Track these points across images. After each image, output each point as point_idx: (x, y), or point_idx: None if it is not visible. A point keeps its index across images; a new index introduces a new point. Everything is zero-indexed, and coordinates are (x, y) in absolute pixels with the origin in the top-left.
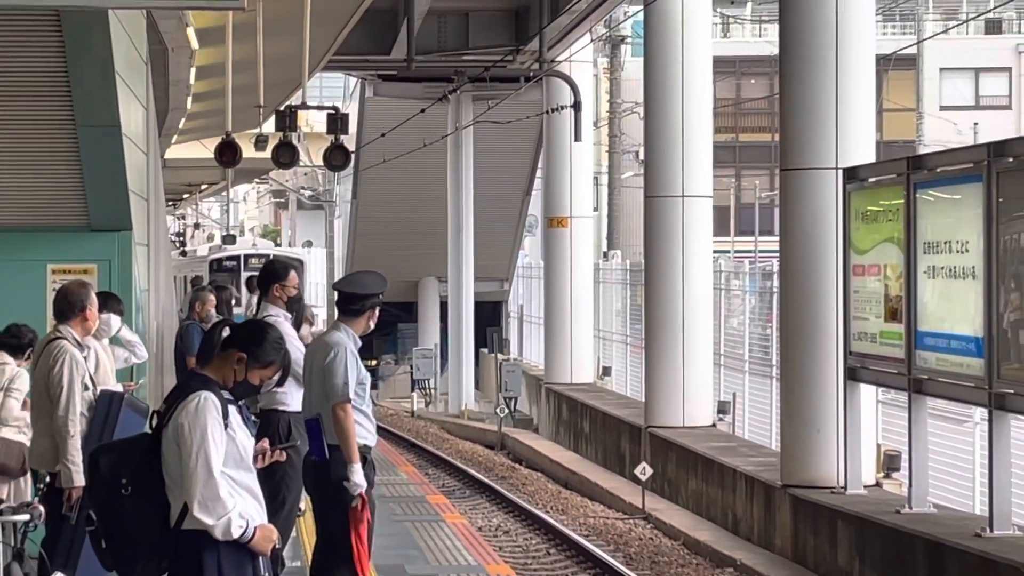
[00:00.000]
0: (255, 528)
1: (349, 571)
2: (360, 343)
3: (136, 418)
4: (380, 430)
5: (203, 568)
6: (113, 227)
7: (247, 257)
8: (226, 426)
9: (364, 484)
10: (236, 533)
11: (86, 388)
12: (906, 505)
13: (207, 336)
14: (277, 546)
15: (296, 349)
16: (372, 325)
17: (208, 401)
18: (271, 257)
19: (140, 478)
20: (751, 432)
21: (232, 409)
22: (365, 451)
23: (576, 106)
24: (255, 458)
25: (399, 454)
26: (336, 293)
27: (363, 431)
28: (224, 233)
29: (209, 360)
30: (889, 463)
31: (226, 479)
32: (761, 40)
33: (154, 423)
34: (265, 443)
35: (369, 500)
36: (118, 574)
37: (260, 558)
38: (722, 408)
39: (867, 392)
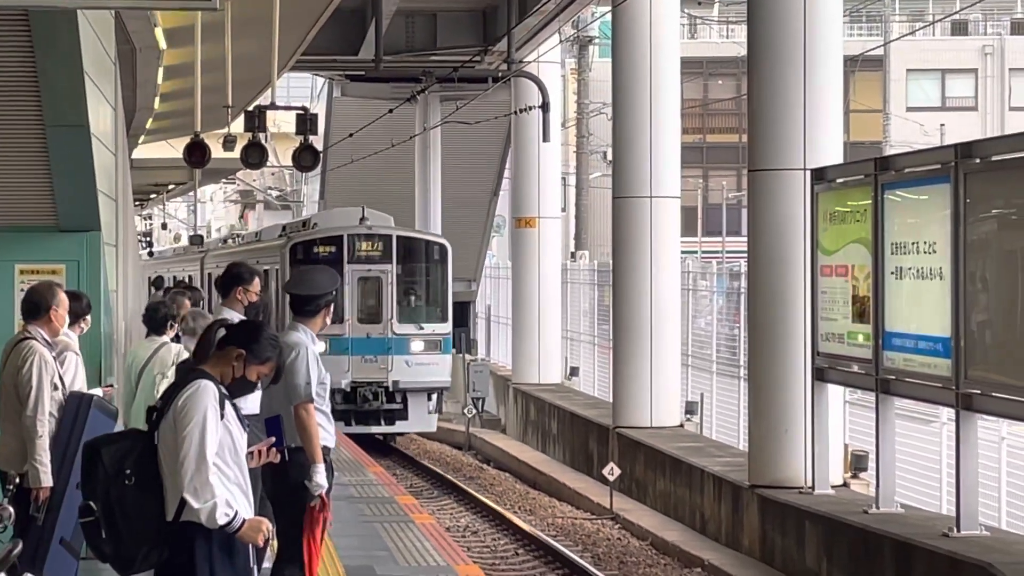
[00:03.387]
0: (243, 519)
1: (300, 573)
2: (318, 342)
3: (105, 420)
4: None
5: (195, 559)
6: (82, 227)
7: (356, 240)
8: (222, 416)
9: (326, 485)
10: (221, 520)
11: (55, 388)
12: (873, 505)
13: (203, 335)
14: (269, 539)
15: None
16: (328, 322)
17: (208, 388)
18: (389, 237)
19: (143, 469)
20: (719, 432)
21: (228, 404)
22: (325, 452)
23: (544, 107)
24: (248, 456)
25: (365, 454)
26: (288, 296)
27: (323, 432)
28: (191, 233)
29: (205, 358)
30: (856, 463)
31: (217, 469)
32: (729, 41)
33: (153, 417)
34: (267, 443)
35: (298, 504)
36: (116, 565)
37: (250, 552)
38: (690, 408)
39: (835, 392)
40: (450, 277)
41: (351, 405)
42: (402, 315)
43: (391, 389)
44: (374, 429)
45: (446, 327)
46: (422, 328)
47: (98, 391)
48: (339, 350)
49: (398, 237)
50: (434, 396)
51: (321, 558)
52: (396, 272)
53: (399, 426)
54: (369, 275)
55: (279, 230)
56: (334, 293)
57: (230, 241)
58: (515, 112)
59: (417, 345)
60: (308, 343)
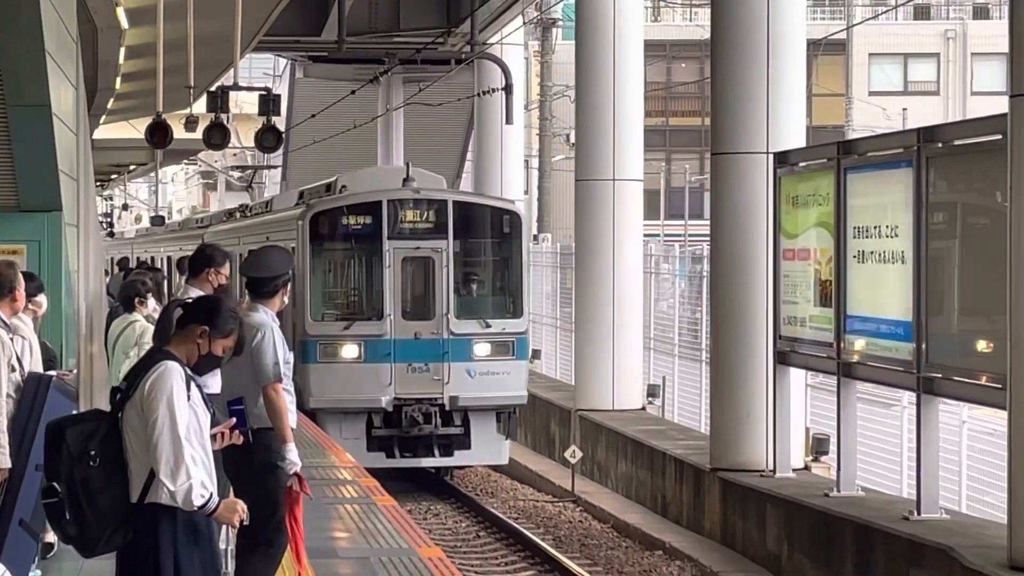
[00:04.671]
0: (219, 500)
1: (267, 556)
2: (278, 322)
3: (65, 401)
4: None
5: (159, 541)
6: (43, 207)
7: (398, 207)
8: (188, 398)
9: (299, 463)
10: (198, 502)
11: (13, 370)
12: (834, 488)
13: (162, 317)
14: (244, 521)
15: None
16: (286, 301)
17: (174, 369)
18: (443, 203)
19: (108, 450)
20: (681, 416)
21: (193, 385)
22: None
23: (507, 89)
24: (212, 438)
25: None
26: (245, 278)
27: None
28: (153, 214)
29: (166, 339)
30: (818, 447)
31: (186, 447)
32: (692, 24)
33: (116, 398)
34: (229, 424)
35: (277, 488)
36: (79, 546)
37: (215, 537)
38: (652, 392)
39: (796, 376)
40: (526, 256)
41: (394, 430)
42: (462, 308)
43: (448, 408)
44: (427, 462)
45: (520, 324)
46: (488, 326)
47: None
48: (377, 356)
49: (456, 204)
50: (504, 417)
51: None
52: (453, 250)
53: (459, 457)
54: (417, 254)
55: (295, 197)
56: (290, 273)
57: (237, 215)
58: (478, 94)
59: (482, 348)
60: (271, 323)
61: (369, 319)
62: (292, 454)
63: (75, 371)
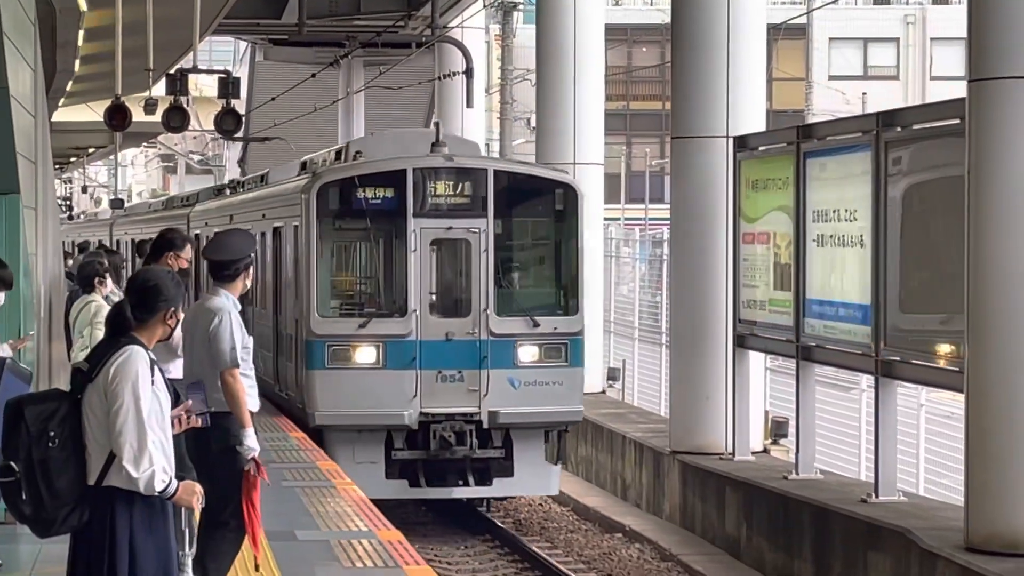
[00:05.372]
0: (178, 484)
1: (227, 539)
2: (240, 306)
3: (18, 383)
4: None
5: (115, 524)
6: (2, 190)
7: (427, 177)
8: (152, 383)
9: (257, 448)
10: (159, 487)
11: None
12: (793, 471)
13: (119, 313)
14: (202, 504)
15: None
16: (248, 284)
17: (139, 354)
18: (482, 173)
19: (67, 430)
20: (641, 399)
21: (156, 370)
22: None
23: (468, 72)
24: (172, 422)
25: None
26: (206, 261)
27: (247, 397)
28: (112, 197)
29: (125, 331)
30: (777, 430)
31: (150, 433)
32: (652, 8)
33: (77, 380)
34: (184, 407)
35: (236, 474)
36: (34, 527)
37: (171, 521)
38: (612, 375)
39: (756, 359)
40: (583, 239)
41: (419, 452)
42: (504, 303)
43: (486, 426)
44: (459, 492)
45: (576, 322)
46: (537, 324)
47: (4, 347)
48: (399, 361)
49: (498, 174)
50: (553, 436)
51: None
52: (494, 231)
53: (499, 487)
54: (449, 236)
55: (296, 169)
56: (252, 256)
57: (227, 191)
58: (439, 78)
59: (528, 352)
60: (231, 308)
61: (390, 316)
62: (250, 439)
63: (33, 333)
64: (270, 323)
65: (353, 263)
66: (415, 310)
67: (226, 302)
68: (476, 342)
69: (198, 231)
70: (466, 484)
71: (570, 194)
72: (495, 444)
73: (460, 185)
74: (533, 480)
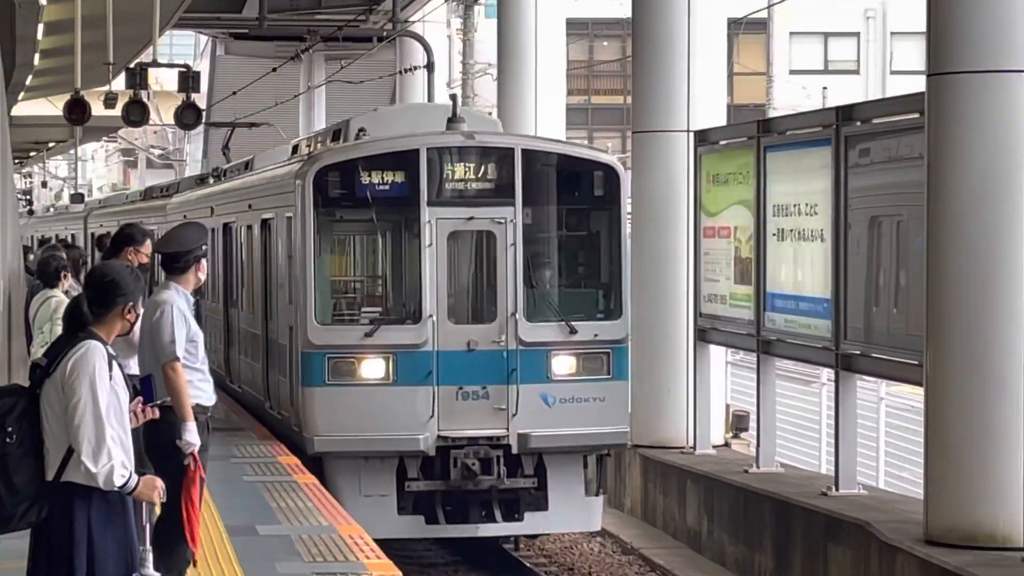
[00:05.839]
0: (138, 479)
1: (179, 531)
2: (192, 299)
3: None
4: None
5: (73, 520)
6: None
7: (444, 158)
8: (110, 378)
9: (197, 443)
10: (119, 482)
11: None
12: (754, 465)
13: (75, 308)
14: (163, 498)
15: None
16: (202, 277)
17: (97, 349)
18: (508, 152)
19: (25, 426)
20: None
21: (115, 365)
22: (199, 411)
23: (429, 67)
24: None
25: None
26: (158, 255)
27: (196, 390)
28: (72, 191)
29: (81, 326)
30: (737, 423)
31: (108, 428)
32: (614, 2)
33: (35, 375)
34: (139, 402)
35: (202, 462)
36: None
37: (130, 515)
38: None
39: (717, 353)
40: (625, 228)
41: (437, 483)
42: (536, 306)
43: (516, 451)
44: (485, 529)
45: (619, 328)
46: (574, 331)
47: None
48: (413, 376)
49: (527, 154)
50: (592, 462)
51: (202, 518)
52: (523, 221)
53: (531, 522)
54: (470, 227)
55: (286, 154)
56: (204, 247)
57: (211, 180)
58: (400, 72)
59: (565, 363)
60: (178, 300)
61: (401, 322)
62: (190, 434)
63: None
64: (259, 330)
65: (357, 260)
66: (431, 315)
67: (174, 295)
68: (503, 352)
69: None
70: (492, 520)
71: (611, 177)
72: (526, 472)
73: (483, 167)
74: (571, 514)
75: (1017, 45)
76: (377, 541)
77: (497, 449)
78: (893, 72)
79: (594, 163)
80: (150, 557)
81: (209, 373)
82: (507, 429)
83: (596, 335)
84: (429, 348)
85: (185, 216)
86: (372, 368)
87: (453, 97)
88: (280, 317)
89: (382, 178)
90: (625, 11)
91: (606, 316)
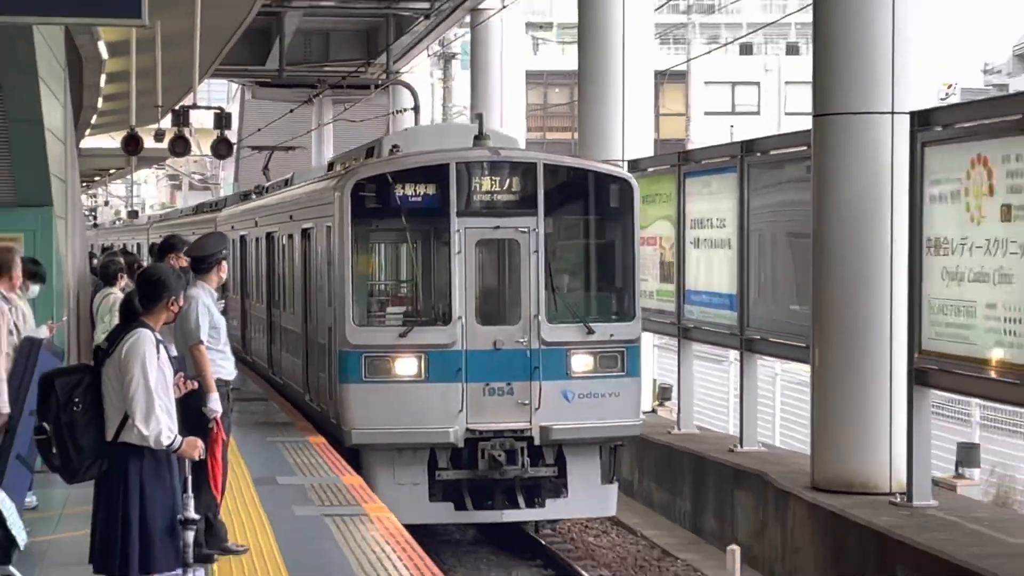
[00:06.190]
0: (182, 440)
1: (207, 488)
2: (216, 295)
3: (52, 359)
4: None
5: (127, 475)
6: (37, 203)
7: (472, 173)
8: (157, 359)
9: (219, 410)
10: (166, 442)
11: (11, 333)
12: (676, 427)
13: (129, 302)
14: (202, 456)
15: None
16: (223, 276)
17: (146, 336)
18: (531, 167)
19: (89, 398)
20: None
21: (161, 348)
22: (221, 383)
23: (416, 109)
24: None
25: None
26: (188, 259)
27: (218, 367)
28: (129, 209)
29: (135, 317)
30: (663, 394)
31: (157, 399)
32: (565, 56)
33: (97, 357)
34: (180, 376)
35: (225, 427)
36: (63, 475)
37: (175, 470)
38: None
39: (647, 338)
40: (637, 238)
41: (465, 472)
42: (556, 308)
43: (538, 442)
44: (510, 515)
45: (633, 328)
46: (592, 331)
47: (43, 329)
48: (443, 374)
49: (548, 168)
50: (607, 453)
51: (232, 470)
52: (544, 230)
53: (552, 509)
54: (496, 236)
55: (323, 170)
56: (224, 252)
57: (253, 195)
58: (392, 113)
59: (582, 362)
60: (203, 296)
61: (432, 323)
62: (213, 402)
63: (65, 318)
64: (300, 329)
65: (391, 266)
66: (460, 317)
67: (199, 291)
68: (526, 351)
69: (225, 231)
70: (516, 506)
71: (626, 189)
72: (547, 462)
73: (508, 181)
74: (588, 500)
75: (882, 92)
76: (408, 526)
77: (521, 441)
78: (787, 113)
79: (610, 177)
80: (191, 503)
81: (231, 354)
82: (530, 422)
83: (612, 335)
84: (458, 347)
85: (233, 227)
86: (405, 366)
87: (479, 116)
88: (319, 318)
89: (415, 190)
90: (573, 64)
91: (620, 318)
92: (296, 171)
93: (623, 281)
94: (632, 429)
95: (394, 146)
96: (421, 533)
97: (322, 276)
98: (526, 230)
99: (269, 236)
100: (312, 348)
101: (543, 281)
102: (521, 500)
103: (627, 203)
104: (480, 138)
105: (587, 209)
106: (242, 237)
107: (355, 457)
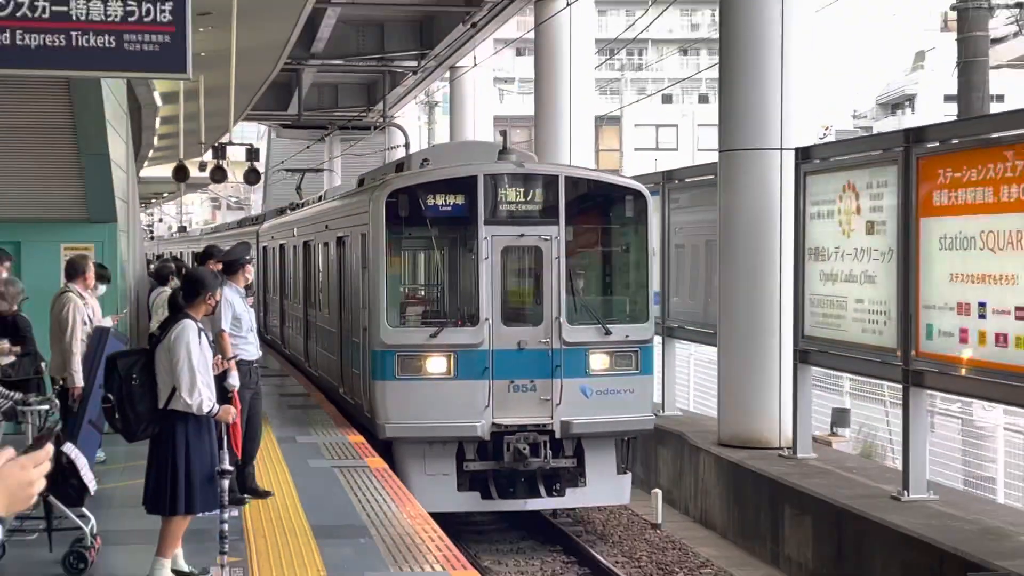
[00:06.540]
0: (219, 407)
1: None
2: (242, 292)
3: (117, 343)
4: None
5: (174, 435)
6: (105, 220)
7: (498, 184)
8: (200, 343)
9: (237, 384)
10: (206, 409)
11: (86, 324)
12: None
13: (174, 299)
14: (234, 419)
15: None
16: (249, 278)
17: (190, 325)
18: (553, 180)
19: (144, 374)
20: None
21: (202, 334)
22: (244, 363)
23: (407, 146)
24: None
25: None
26: (220, 263)
27: (240, 349)
28: (179, 224)
29: (180, 310)
30: None
31: (199, 375)
32: (524, 104)
33: (151, 341)
34: (218, 358)
35: (243, 399)
36: (124, 435)
37: (213, 434)
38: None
39: None
40: (652, 244)
41: (491, 463)
42: (576, 311)
43: (559, 436)
44: (533, 504)
45: (646, 330)
46: (609, 332)
47: (109, 319)
48: (471, 371)
49: (569, 180)
50: (622, 445)
51: (264, 431)
52: (565, 238)
53: (572, 497)
54: (521, 243)
55: (353, 185)
56: (248, 257)
57: (287, 210)
58: (387, 149)
59: (599, 360)
60: (227, 292)
61: (461, 325)
62: (232, 379)
63: (126, 311)
64: (334, 328)
65: (422, 271)
66: (487, 319)
67: (226, 289)
68: (548, 351)
69: (265, 244)
70: (538, 495)
71: (640, 200)
72: (567, 454)
73: (531, 192)
74: (605, 489)
75: (772, 133)
76: (435, 515)
77: (543, 435)
78: (699, 149)
79: (626, 188)
80: (226, 456)
81: (253, 339)
82: (552, 417)
83: (627, 336)
84: (485, 347)
85: (272, 237)
86: (436, 364)
87: (504, 133)
88: (353, 318)
89: (445, 200)
90: (530, 110)
91: (635, 320)
92: (328, 188)
93: (637, 285)
94: (645, 423)
95: (424, 159)
96: (450, 519)
97: (356, 279)
98: (548, 238)
99: (306, 244)
100: (346, 345)
101: (564, 285)
102: (543, 489)
103: (641, 213)
104: (504, 152)
105: (604, 218)
106: (280, 245)
107: (388, 449)
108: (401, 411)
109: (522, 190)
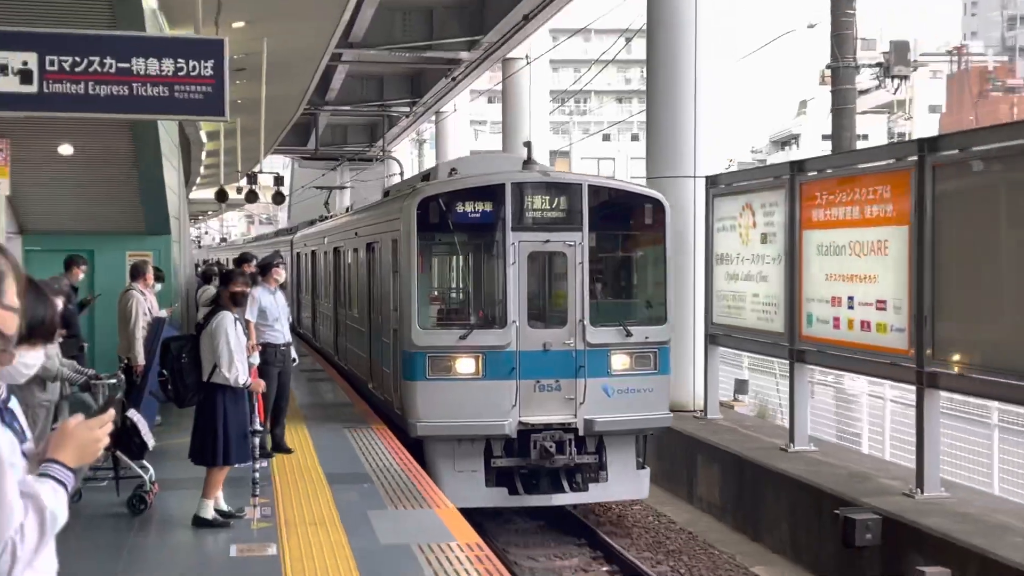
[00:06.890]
0: (250, 381)
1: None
2: (273, 290)
3: (171, 330)
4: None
5: (215, 402)
6: (160, 232)
7: (524, 192)
8: (235, 329)
9: (257, 362)
10: (242, 381)
11: (146, 315)
12: None
13: (216, 295)
14: (264, 390)
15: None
16: (279, 279)
17: (227, 316)
18: (576, 188)
19: (192, 354)
20: None
21: (237, 323)
22: (270, 346)
23: (401, 174)
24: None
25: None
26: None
27: (265, 336)
28: (221, 236)
29: (220, 301)
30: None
31: (236, 355)
32: (495, 141)
33: (196, 328)
34: (252, 342)
35: (268, 376)
36: (176, 402)
37: (246, 404)
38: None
39: None
40: (669, 251)
41: (516, 460)
42: (599, 313)
43: (582, 433)
44: (558, 499)
45: (664, 332)
46: (630, 334)
47: (164, 312)
48: (499, 372)
49: (592, 188)
50: (641, 442)
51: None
52: (589, 244)
53: (594, 492)
54: (546, 249)
55: (377, 198)
56: (277, 262)
57: (316, 221)
58: (386, 177)
59: (619, 361)
60: (259, 292)
61: (489, 327)
62: (254, 359)
63: (177, 305)
64: (364, 327)
65: (452, 275)
66: (514, 321)
67: (259, 289)
68: (572, 352)
69: (299, 250)
70: (562, 490)
71: (659, 208)
72: (589, 451)
73: (556, 199)
74: (626, 484)
75: (688, 163)
76: (463, 509)
77: (568, 433)
78: (632, 177)
79: (646, 197)
80: (257, 420)
81: (279, 327)
82: (575, 415)
83: (647, 337)
84: (512, 348)
85: (306, 244)
86: (465, 365)
87: (528, 144)
88: (383, 319)
89: (473, 207)
90: (499, 146)
91: (654, 322)
92: (353, 202)
93: (656, 289)
94: (663, 421)
95: (452, 169)
96: (478, 512)
97: (386, 283)
98: (573, 244)
99: (336, 250)
100: (375, 343)
101: (587, 289)
102: (566, 485)
103: (660, 220)
104: (529, 162)
105: (625, 225)
106: (312, 251)
107: (418, 447)
108: (432, 410)
109: (547, 198)
